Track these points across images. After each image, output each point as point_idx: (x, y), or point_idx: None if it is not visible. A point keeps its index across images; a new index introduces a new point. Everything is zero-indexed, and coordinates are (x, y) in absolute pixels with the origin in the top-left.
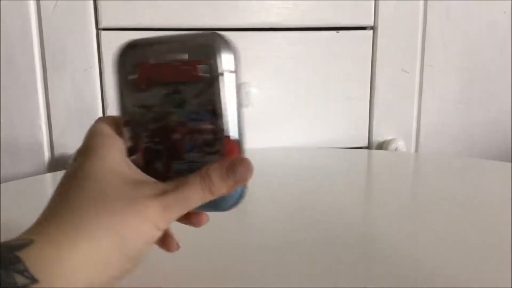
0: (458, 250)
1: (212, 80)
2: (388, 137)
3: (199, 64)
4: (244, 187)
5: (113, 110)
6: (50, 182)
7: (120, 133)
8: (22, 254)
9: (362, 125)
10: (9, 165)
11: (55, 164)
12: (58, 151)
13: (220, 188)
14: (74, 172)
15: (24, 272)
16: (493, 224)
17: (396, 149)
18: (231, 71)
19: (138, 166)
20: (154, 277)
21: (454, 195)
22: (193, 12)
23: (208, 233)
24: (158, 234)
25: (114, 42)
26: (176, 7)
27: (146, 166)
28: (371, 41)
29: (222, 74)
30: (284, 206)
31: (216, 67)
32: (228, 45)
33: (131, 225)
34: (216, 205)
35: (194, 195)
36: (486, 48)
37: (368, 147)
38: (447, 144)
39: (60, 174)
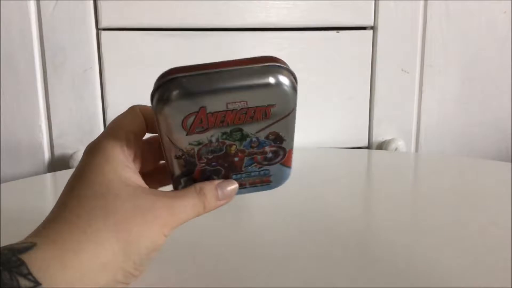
0: (458, 250)
1: (281, 117)
2: (388, 137)
3: (270, 109)
4: (289, 168)
5: (113, 110)
6: (50, 182)
7: (143, 128)
8: (25, 257)
9: (362, 125)
10: (9, 165)
11: (55, 164)
12: (58, 151)
13: (211, 203)
14: (81, 170)
15: (28, 275)
16: (493, 224)
17: (396, 149)
18: (295, 106)
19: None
20: (154, 277)
21: (454, 195)
22: (193, 12)
23: (208, 233)
24: (163, 240)
25: (114, 42)
26: (176, 7)
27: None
28: (371, 41)
29: (292, 110)
30: (284, 206)
31: (288, 106)
32: (291, 74)
33: (138, 230)
34: (267, 185)
35: (190, 207)
36: (486, 48)
37: (368, 147)
38: (447, 144)
39: (60, 174)
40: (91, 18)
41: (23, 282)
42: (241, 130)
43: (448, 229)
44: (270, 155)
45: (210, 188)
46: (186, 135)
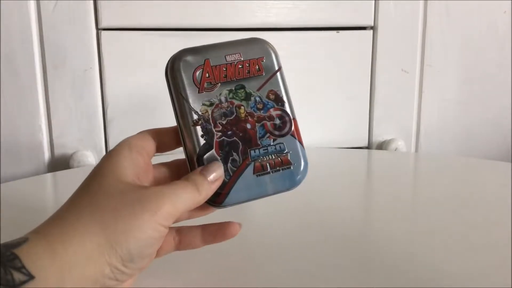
0: (458, 250)
1: (273, 73)
2: (388, 137)
3: (260, 61)
4: (306, 164)
5: (113, 110)
6: (50, 182)
7: (152, 145)
8: (18, 251)
9: (362, 125)
10: (9, 165)
11: (55, 164)
12: (58, 151)
13: (204, 185)
14: (89, 174)
15: (22, 269)
16: (493, 224)
17: (396, 149)
18: (281, 66)
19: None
20: (154, 277)
21: (454, 195)
22: (193, 12)
23: None
24: (159, 231)
25: (114, 42)
26: (176, 7)
27: (224, 160)
28: (371, 41)
29: (280, 67)
30: (284, 205)
31: (275, 62)
32: (272, 45)
33: (125, 221)
34: (286, 183)
35: (183, 192)
36: (486, 48)
37: (368, 147)
38: (447, 144)
39: (60, 174)
40: (91, 18)
41: (17, 275)
42: (243, 87)
43: (448, 229)
44: (277, 121)
45: (195, 173)
46: (198, 92)
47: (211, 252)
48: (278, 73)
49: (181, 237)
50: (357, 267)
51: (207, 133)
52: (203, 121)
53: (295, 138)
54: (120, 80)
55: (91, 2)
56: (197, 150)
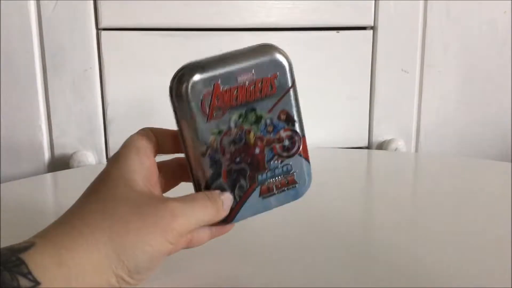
0: (458, 250)
1: (286, 90)
2: (388, 137)
3: (274, 79)
4: (310, 179)
5: (113, 109)
6: (50, 182)
7: (155, 146)
8: (25, 256)
9: (362, 125)
10: (9, 165)
11: (55, 164)
12: (58, 151)
13: (222, 208)
14: (94, 180)
15: (28, 274)
16: (493, 224)
17: (396, 149)
18: (295, 79)
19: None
20: (154, 277)
21: (454, 195)
22: (193, 12)
23: None
24: (168, 248)
25: (114, 42)
26: (176, 7)
27: (231, 187)
28: (371, 41)
29: (293, 82)
30: (283, 205)
31: (289, 77)
32: (285, 54)
33: (135, 234)
34: (289, 198)
35: (201, 210)
36: (486, 48)
37: (368, 147)
38: (447, 144)
39: (60, 174)
40: (91, 18)
41: (23, 281)
42: (254, 110)
43: (448, 229)
44: (287, 142)
45: (217, 194)
46: (207, 121)
47: (211, 252)
48: (291, 90)
49: (192, 235)
50: (357, 267)
51: (215, 163)
52: (211, 151)
53: (302, 156)
54: (120, 80)
55: (91, 2)
56: (204, 180)
